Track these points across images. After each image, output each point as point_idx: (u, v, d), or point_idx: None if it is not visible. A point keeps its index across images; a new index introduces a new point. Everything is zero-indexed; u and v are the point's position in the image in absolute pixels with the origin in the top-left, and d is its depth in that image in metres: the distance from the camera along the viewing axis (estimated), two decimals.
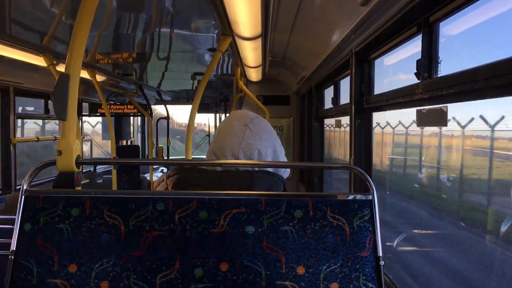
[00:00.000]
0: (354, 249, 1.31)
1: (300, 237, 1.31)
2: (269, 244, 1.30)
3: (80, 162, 1.43)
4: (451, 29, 1.99)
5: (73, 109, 1.44)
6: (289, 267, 1.29)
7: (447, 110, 1.77)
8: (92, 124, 10.65)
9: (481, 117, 3.48)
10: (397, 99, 2.22)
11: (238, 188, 1.41)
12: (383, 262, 1.31)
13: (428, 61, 1.92)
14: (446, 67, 1.87)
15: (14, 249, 1.29)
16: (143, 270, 1.28)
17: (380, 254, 1.31)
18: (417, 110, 2.02)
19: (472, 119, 3.51)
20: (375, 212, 1.33)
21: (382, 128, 5.87)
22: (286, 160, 1.71)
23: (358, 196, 1.34)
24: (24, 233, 1.31)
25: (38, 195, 1.33)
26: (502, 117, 3.17)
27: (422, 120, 2.00)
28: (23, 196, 1.33)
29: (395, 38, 2.34)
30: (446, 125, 1.82)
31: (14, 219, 1.33)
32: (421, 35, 1.99)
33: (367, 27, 2.40)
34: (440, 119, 1.81)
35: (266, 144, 1.59)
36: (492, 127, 3.38)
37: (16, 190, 5.39)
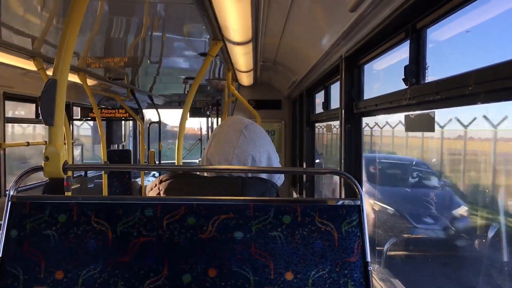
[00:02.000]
0: (342, 255, 1.31)
1: (288, 242, 1.31)
2: (258, 250, 1.30)
3: (67, 168, 1.43)
4: (438, 35, 2.00)
5: (61, 114, 1.44)
6: (277, 272, 1.29)
7: (434, 115, 1.78)
8: (82, 128, 10.59)
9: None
10: (386, 104, 2.23)
11: (231, 194, 1.41)
12: (371, 268, 1.32)
13: (415, 67, 1.93)
14: (434, 73, 1.89)
15: (0, 256, 1.28)
16: (131, 276, 1.28)
17: (369, 259, 1.32)
18: (406, 116, 2.03)
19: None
20: (363, 218, 1.34)
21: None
22: (281, 167, 1.71)
23: (347, 202, 1.35)
24: (10, 240, 1.30)
25: (24, 201, 1.32)
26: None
27: (410, 125, 2.01)
28: (10, 202, 1.32)
29: (383, 44, 2.36)
30: (433, 131, 1.84)
31: (0, 225, 1.33)
32: (408, 41, 2.00)
33: (356, 32, 2.41)
34: (428, 124, 1.83)
35: (260, 151, 1.60)
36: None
37: (5, 195, 5.34)
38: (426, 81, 1.90)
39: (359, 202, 1.34)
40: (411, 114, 2.00)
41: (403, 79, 1.99)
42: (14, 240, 1.30)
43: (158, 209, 1.32)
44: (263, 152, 1.60)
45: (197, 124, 12.43)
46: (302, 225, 1.32)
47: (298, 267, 1.29)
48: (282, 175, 1.69)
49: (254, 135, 1.61)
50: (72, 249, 1.29)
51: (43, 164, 1.40)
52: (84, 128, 10.50)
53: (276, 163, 1.67)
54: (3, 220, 1.30)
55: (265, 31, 3.28)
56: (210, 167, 1.55)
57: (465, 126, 3.72)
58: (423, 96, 1.79)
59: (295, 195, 6.40)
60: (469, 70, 1.46)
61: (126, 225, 1.30)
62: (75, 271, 1.27)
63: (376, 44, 2.41)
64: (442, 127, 3.97)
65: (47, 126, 1.42)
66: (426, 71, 1.91)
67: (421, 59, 1.92)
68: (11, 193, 1.33)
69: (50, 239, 1.30)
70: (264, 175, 1.58)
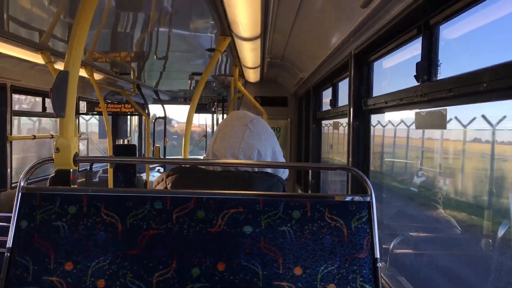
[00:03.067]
0: (351, 251, 1.31)
1: (297, 237, 1.30)
2: (267, 244, 1.29)
3: (77, 159, 1.43)
4: (451, 32, 1.99)
5: (72, 106, 1.44)
6: (286, 267, 1.28)
7: (446, 113, 1.76)
8: (88, 121, 10.62)
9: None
10: (396, 101, 2.22)
11: (237, 189, 1.41)
12: (380, 264, 1.31)
13: (427, 64, 1.92)
14: (446, 70, 1.88)
15: (10, 246, 1.28)
16: (140, 268, 1.27)
17: (378, 255, 1.31)
18: (416, 113, 2.02)
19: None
20: (373, 214, 1.33)
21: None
22: (285, 162, 1.71)
23: (356, 198, 1.34)
24: (21, 230, 1.30)
25: (35, 192, 1.32)
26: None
27: (421, 122, 2.00)
28: (20, 193, 1.32)
29: (395, 41, 2.34)
30: (445, 128, 1.82)
31: (9, 216, 1.32)
32: (421, 37, 1.99)
33: (366, 29, 2.40)
34: (440, 121, 1.81)
35: (265, 145, 1.60)
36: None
37: (12, 187, 5.36)
38: (438, 78, 1.88)
39: (369, 198, 1.34)
40: (422, 111, 1.99)
41: (414, 76, 1.98)
42: (24, 231, 1.30)
43: (167, 202, 1.31)
44: (268, 146, 1.60)
45: (201, 121, 12.46)
46: (312, 221, 1.31)
47: (307, 262, 1.29)
48: (287, 170, 1.68)
49: (259, 129, 1.61)
50: (81, 240, 1.29)
51: (53, 156, 1.40)
52: (90, 123, 10.54)
53: (281, 157, 1.67)
54: (13, 211, 1.30)
55: (274, 27, 3.27)
56: (217, 161, 1.55)
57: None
58: (435, 93, 1.78)
59: (300, 192, 6.40)
60: (484, 67, 1.45)
61: (136, 217, 1.30)
62: (84, 262, 1.27)
63: (387, 40, 2.39)
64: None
65: (57, 119, 1.42)
66: (438, 68, 1.89)
67: (434, 56, 1.90)
68: (22, 184, 1.33)
69: (60, 230, 1.29)
70: (269, 170, 1.57)
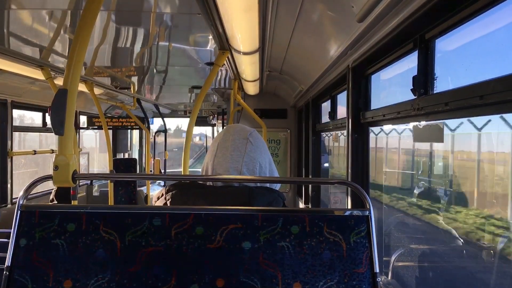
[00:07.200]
0: (350, 265, 1.30)
1: (296, 253, 1.30)
2: (266, 260, 1.29)
3: (76, 177, 1.43)
4: (447, 45, 2.00)
5: (71, 123, 1.44)
6: (285, 283, 1.28)
7: (443, 126, 1.77)
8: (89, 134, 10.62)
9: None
10: (394, 114, 2.23)
11: (238, 204, 1.41)
12: (380, 279, 1.31)
13: (424, 78, 1.93)
14: (442, 83, 1.89)
15: (9, 264, 1.28)
16: (139, 286, 1.27)
17: (377, 270, 1.31)
18: (414, 126, 2.03)
19: None
20: (372, 228, 1.33)
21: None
22: (278, 174, 1.72)
23: (355, 212, 1.34)
24: (20, 249, 1.30)
25: (34, 210, 1.32)
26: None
27: (419, 136, 2.00)
28: (19, 211, 1.32)
29: (391, 54, 2.36)
30: (442, 141, 1.83)
31: (9, 233, 1.32)
32: (417, 51, 2.00)
33: (363, 43, 2.42)
34: (437, 135, 1.82)
35: (264, 157, 1.59)
36: None
37: (12, 203, 5.36)
38: (435, 92, 1.89)
39: (368, 212, 1.33)
40: (419, 124, 2.00)
41: (411, 90, 1.99)
42: (23, 249, 1.30)
43: (166, 218, 1.31)
44: (266, 159, 1.61)
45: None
46: (311, 236, 1.31)
47: (306, 277, 1.28)
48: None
49: (258, 142, 1.61)
50: (80, 258, 1.29)
51: (52, 173, 1.40)
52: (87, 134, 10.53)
53: (275, 170, 1.67)
54: (12, 228, 1.30)
55: (272, 41, 3.29)
56: (217, 176, 1.54)
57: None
58: (432, 106, 1.78)
59: (301, 204, 6.38)
60: (480, 81, 1.46)
61: (135, 234, 1.30)
62: (83, 280, 1.27)
63: (384, 54, 2.40)
64: None
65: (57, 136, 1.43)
66: (435, 81, 1.90)
67: (430, 69, 1.92)
68: (21, 202, 1.33)
69: (59, 248, 1.29)
70: (268, 184, 1.57)
